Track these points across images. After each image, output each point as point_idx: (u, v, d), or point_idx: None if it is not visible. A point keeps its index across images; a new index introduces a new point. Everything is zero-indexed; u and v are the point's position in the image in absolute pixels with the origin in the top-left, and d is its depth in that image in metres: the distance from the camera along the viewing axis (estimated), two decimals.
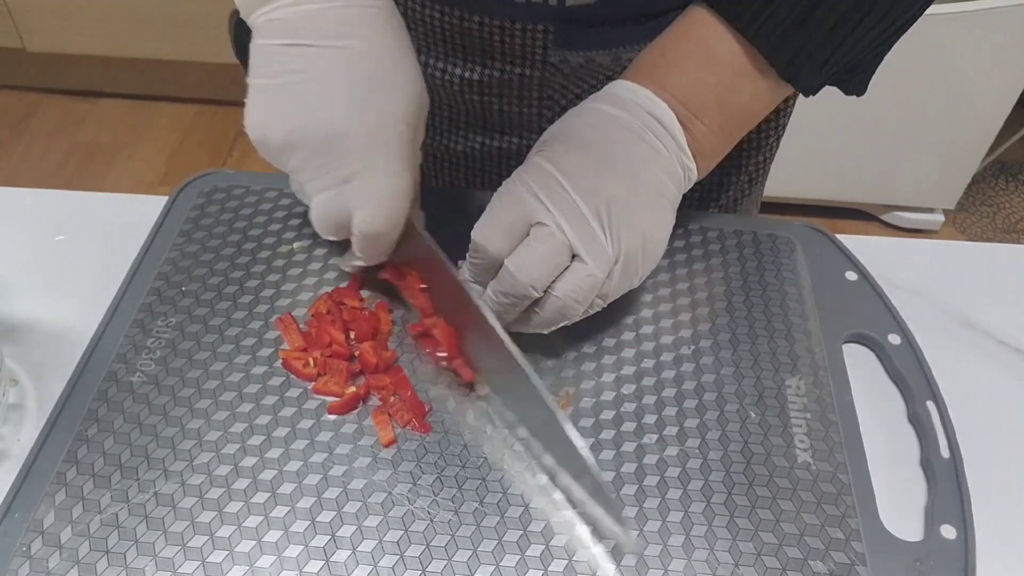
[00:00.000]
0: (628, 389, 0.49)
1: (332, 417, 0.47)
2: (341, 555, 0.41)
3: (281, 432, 0.46)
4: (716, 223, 0.59)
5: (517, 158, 0.65)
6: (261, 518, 0.43)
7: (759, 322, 0.53)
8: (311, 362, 0.49)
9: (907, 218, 1.85)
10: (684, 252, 0.56)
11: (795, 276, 0.56)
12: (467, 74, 0.60)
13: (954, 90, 1.59)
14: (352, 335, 0.50)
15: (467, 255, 0.47)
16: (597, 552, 0.42)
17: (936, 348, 0.53)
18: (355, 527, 0.42)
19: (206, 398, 0.47)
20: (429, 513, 0.43)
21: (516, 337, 0.45)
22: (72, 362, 0.49)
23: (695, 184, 0.51)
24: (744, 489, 0.45)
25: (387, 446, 0.46)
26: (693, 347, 0.51)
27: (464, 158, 0.68)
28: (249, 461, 0.45)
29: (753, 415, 0.48)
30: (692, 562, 0.42)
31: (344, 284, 0.53)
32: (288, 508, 0.43)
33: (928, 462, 0.48)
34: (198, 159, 1.98)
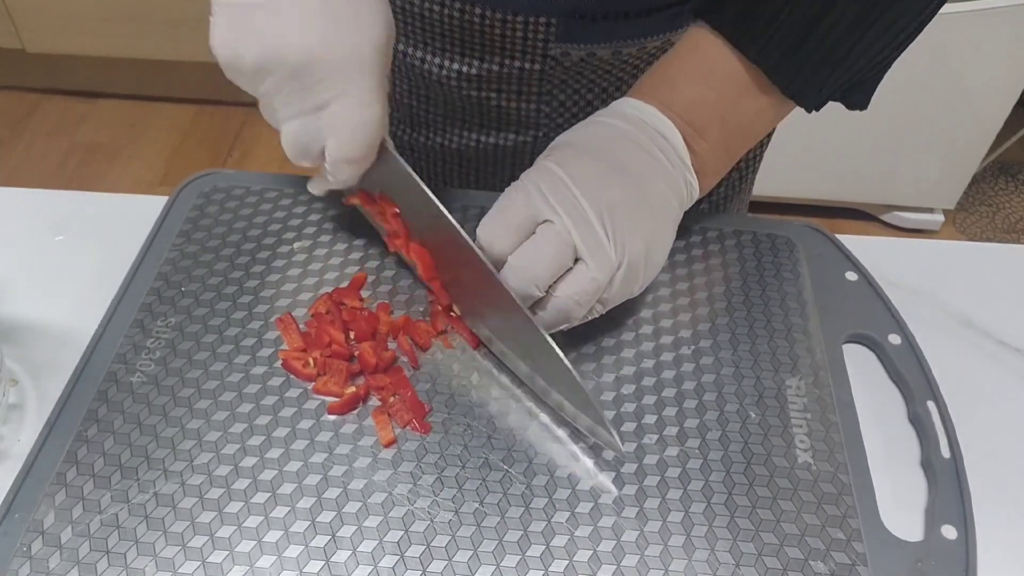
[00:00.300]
0: (628, 389, 0.49)
1: (332, 417, 0.47)
2: (341, 555, 0.41)
3: (281, 432, 0.46)
4: (716, 223, 0.59)
5: (513, 155, 0.65)
6: (261, 518, 0.43)
7: (759, 322, 0.53)
8: (311, 362, 0.49)
9: (907, 218, 1.85)
10: (684, 252, 0.56)
11: (795, 276, 0.56)
12: (465, 68, 0.60)
13: (954, 90, 1.59)
14: (352, 335, 0.50)
15: None
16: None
17: (936, 348, 0.53)
18: (355, 527, 0.42)
19: (206, 398, 0.47)
20: (429, 513, 0.43)
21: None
22: (72, 362, 0.49)
23: None
24: (745, 489, 0.45)
25: (387, 446, 0.46)
26: (693, 347, 0.51)
27: (459, 156, 0.67)
28: (249, 461, 0.45)
29: (753, 415, 0.48)
30: (693, 562, 0.42)
31: (344, 284, 0.53)
32: (288, 508, 0.43)
33: (929, 462, 0.48)
34: (198, 159, 1.98)
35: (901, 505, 0.46)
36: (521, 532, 0.42)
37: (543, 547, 0.42)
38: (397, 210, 0.50)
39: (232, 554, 0.41)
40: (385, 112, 0.46)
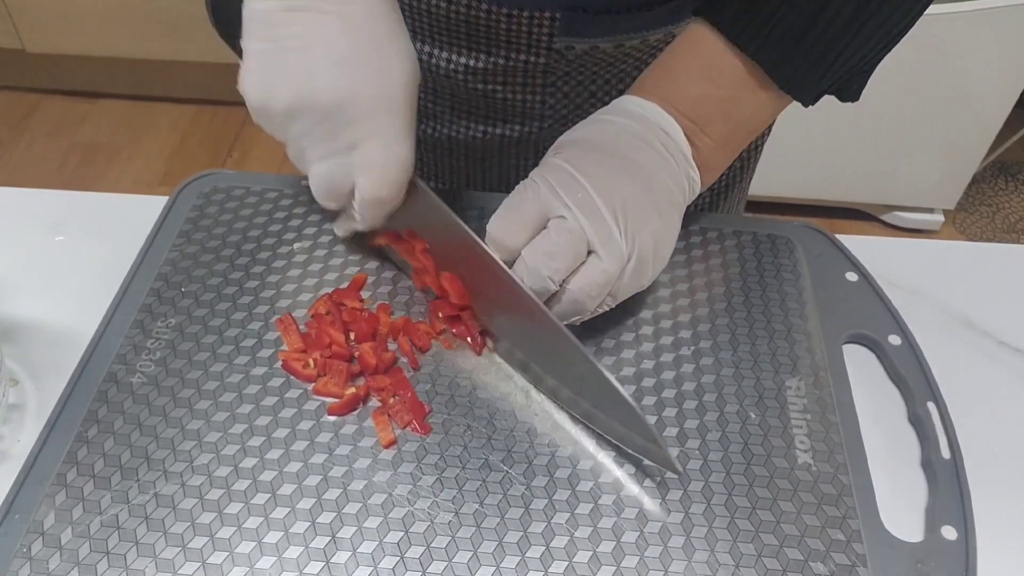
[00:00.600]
0: (628, 390, 0.49)
1: (332, 418, 0.47)
2: (341, 556, 0.41)
3: (281, 433, 0.46)
4: (716, 223, 0.59)
5: (519, 146, 0.66)
6: (261, 519, 0.43)
7: (759, 323, 0.53)
8: (311, 363, 0.49)
9: (907, 218, 1.85)
10: (684, 252, 0.56)
11: (795, 276, 0.56)
12: (471, 62, 0.61)
13: (954, 90, 1.59)
14: (352, 336, 0.50)
15: None
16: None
17: (936, 348, 0.53)
18: (355, 528, 0.42)
19: (206, 399, 0.47)
20: (429, 514, 0.43)
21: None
22: (72, 362, 0.49)
23: None
24: (744, 490, 0.45)
25: (387, 447, 0.46)
26: (693, 348, 0.51)
27: (465, 147, 0.68)
28: (249, 462, 0.45)
29: (753, 416, 0.48)
30: (692, 564, 0.42)
31: (344, 285, 0.53)
32: (288, 509, 0.43)
33: (929, 463, 0.48)
34: (198, 159, 1.98)
35: (901, 506, 0.46)
36: (521, 533, 0.42)
37: (543, 548, 0.42)
38: (426, 245, 0.50)
39: (232, 555, 0.41)
40: (413, 150, 0.47)
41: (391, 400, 0.47)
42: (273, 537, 0.42)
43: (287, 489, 0.44)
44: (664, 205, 0.49)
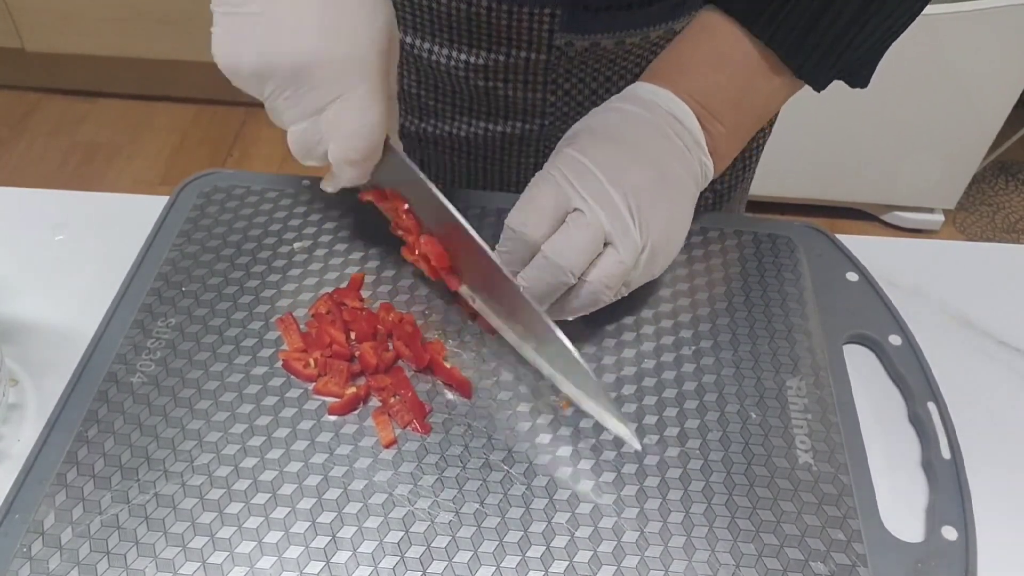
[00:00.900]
0: (629, 390, 0.49)
1: (332, 418, 0.47)
2: (342, 556, 0.41)
3: (281, 433, 0.46)
4: (717, 223, 0.59)
5: (520, 143, 0.67)
6: (261, 519, 0.43)
7: (760, 323, 0.53)
8: (311, 363, 0.49)
9: (907, 218, 1.85)
10: (684, 252, 0.56)
11: (796, 276, 0.56)
12: (472, 59, 0.61)
13: (954, 90, 1.59)
14: (352, 335, 0.50)
15: (497, 244, 0.48)
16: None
17: (936, 348, 0.53)
18: (356, 528, 0.42)
19: (206, 399, 0.47)
20: (430, 514, 0.43)
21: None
22: (72, 362, 0.49)
23: None
24: (745, 490, 0.45)
25: (387, 447, 0.46)
26: (694, 347, 0.51)
27: (467, 144, 0.68)
28: (249, 462, 0.45)
29: (754, 416, 0.48)
30: (693, 563, 0.42)
31: (344, 285, 0.53)
32: (288, 509, 0.43)
33: (929, 463, 0.48)
34: (198, 159, 1.98)
35: (901, 506, 0.46)
36: (521, 533, 0.42)
37: (543, 548, 0.42)
38: (407, 206, 0.51)
39: (232, 555, 0.41)
40: (388, 113, 0.47)
41: (391, 400, 0.47)
42: (273, 537, 0.42)
43: (287, 489, 0.44)
44: (676, 193, 0.49)
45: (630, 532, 0.43)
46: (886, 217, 1.87)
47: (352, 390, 0.47)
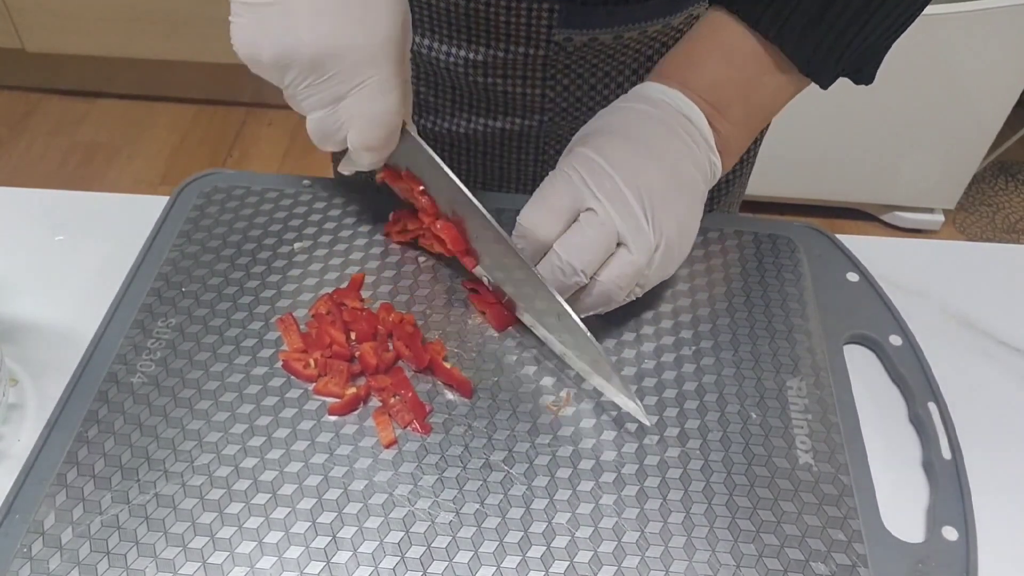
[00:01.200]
0: (630, 389, 0.49)
1: (333, 418, 0.47)
2: (342, 556, 0.41)
3: (282, 433, 0.46)
4: (717, 223, 0.59)
5: (520, 139, 0.67)
6: (262, 519, 0.42)
7: (760, 323, 0.53)
8: (311, 363, 0.49)
9: (907, 218, 1.85)
10: None
11: (796, 277, 0.56)
12: (472, 55, 0.61)
13: (954, 90, 1.59)
14: (353, 336, 0.50)
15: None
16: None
17: (936, 348, 0.53)
18: (356, 528, 0.42)
19: (206, 399, 0.47)
20: (430, 514, 0.43)
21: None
22: (72, 362, 0.49)
23: None
24: (745, 491, 0.45)
25: (388, 447, 0.46)
26: (694, 348, 0.51)
27: (467, 140, 0.68)
28: (250, 462, 0.45)
29: (754, 416, 0.48)
30: (693, 564, 0.42)
31: (344, 285, 0.53)
32: (289, 509, 0.43)
33: (929, 463, 0.48)
34: (198, 159, 1.98)
35: (902, 506, 0.46)
36: (522, 533, 0.42)
37: (544, 548, 0.42)
38: (422, 187, 0.51)
39: (232, 555, 0.41)
40: (403, 99, 0.48)
41: (392, 400, 0.47)
42: (274, 537, 0.42)
43: (288, 489, 0.44)
44: (688, 192, 0.49)
45: (631, 532, 0.43)
46: (886, 217, 1.87)
47: (352, 390, 0.47)
